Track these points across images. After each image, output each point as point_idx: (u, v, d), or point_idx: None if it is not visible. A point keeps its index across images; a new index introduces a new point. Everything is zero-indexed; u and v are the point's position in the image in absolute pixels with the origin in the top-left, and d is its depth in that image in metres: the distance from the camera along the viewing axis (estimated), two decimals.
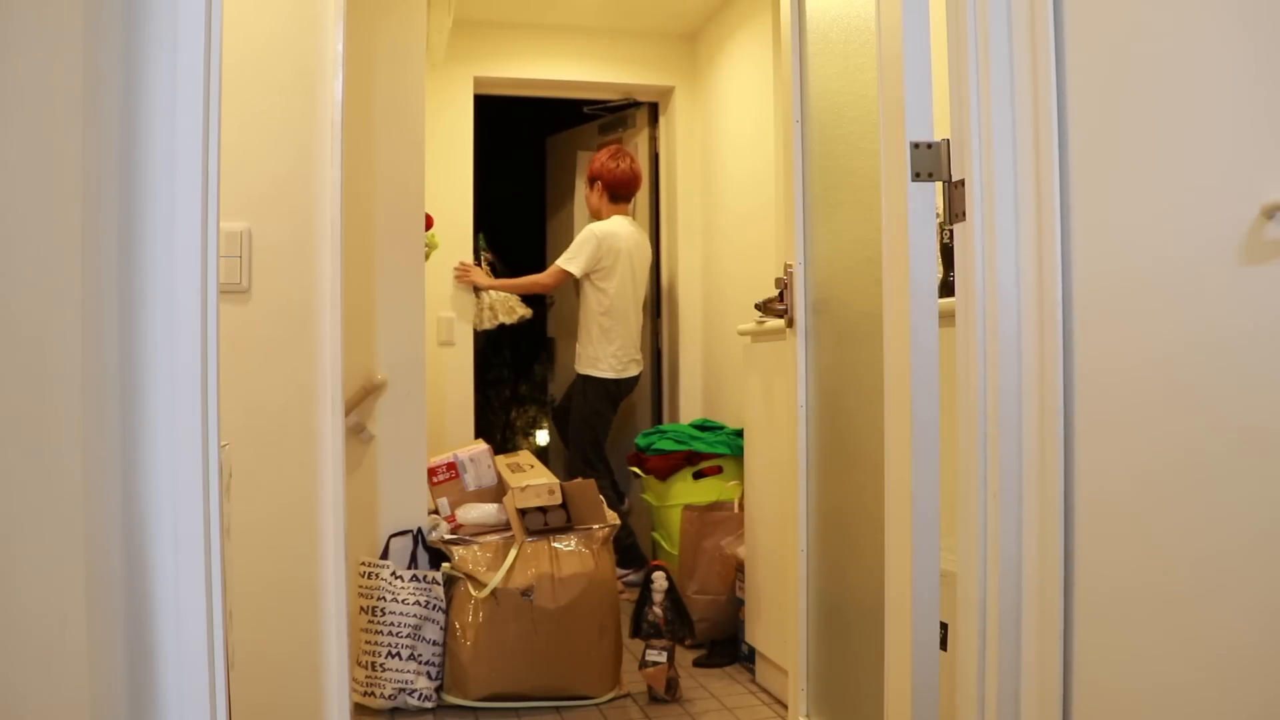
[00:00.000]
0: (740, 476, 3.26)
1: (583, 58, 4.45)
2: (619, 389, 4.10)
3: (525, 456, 3.32)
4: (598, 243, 4.00)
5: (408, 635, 2.70)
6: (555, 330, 5.39)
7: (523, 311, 4.33)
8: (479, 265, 4.32)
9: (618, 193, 4.15)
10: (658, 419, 4.59)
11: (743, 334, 2.98)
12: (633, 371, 4.13)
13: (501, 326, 4.47)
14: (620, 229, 4.09)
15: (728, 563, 3.18)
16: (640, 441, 3.85)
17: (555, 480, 2.94)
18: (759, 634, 2.87)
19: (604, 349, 4.04)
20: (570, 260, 4.02)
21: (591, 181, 4.20)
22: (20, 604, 0.87)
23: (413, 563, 2.82)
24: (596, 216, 4.23)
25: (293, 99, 1.95)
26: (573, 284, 5.05)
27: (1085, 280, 1.39)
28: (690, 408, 4.42)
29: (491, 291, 4.24)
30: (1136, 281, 1.29)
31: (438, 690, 2.75)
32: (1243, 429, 1.13)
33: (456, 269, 4.19)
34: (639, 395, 4.55)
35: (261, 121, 1.94)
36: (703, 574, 3.25)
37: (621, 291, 4.05)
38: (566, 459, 4.26)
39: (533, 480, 2.93)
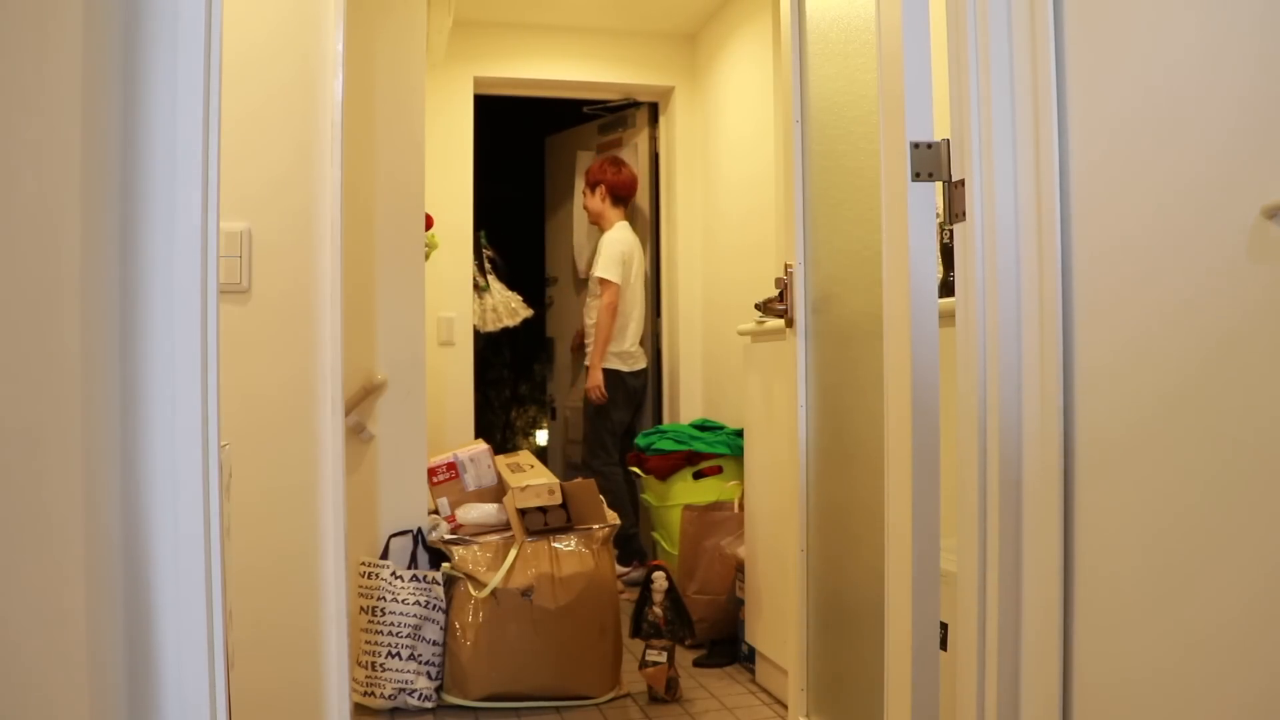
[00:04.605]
0: (740, 476, 3.26)
1: (583, 58, 4.46)
2: (633, 380, 4.34)
3: (525, 456, 3.32)
4: (621, 249, 4.28)
5: (408, 635, 2.70)
6: (555, 330, 5.39)
7: (525, 313, 4.58)
8: (480, 262, 4.41)
9: (619, 195, 4.40)
10: (658, 419, 4.59)
11: (743, 334, 2.98)
12: (641, 364, 4.38)
13: (503, 327, 4.57)
14: (627, 234, 4.36)
15: (728, 563, 3.18)
16: (640, 441, 3.85)
17: (555, 480, 2.94)
18: (759, 634, 2.87)
19: (617, 345, 4.28)
20: (612, 271, 4.24)
21: (593, 186, 4.41)
22: (20, 603, 0.87)
23: (413, 563, 2.82)
24: (597, 218, 4.44)
25: (293, 98, 1.95)
26: (573, 283, 5.10)
27: (1085, 280, 1.39)
28: (690, 408, 4.42)
29: (495, 293, 4.42)
30: (1136, 281, 1.29)
31: (438, 690, 2.75)
32: (1242, 427, 1.13)
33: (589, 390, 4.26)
34: None
35: (262, 121, 1.94)
36: (703, 574, 3.25)
37: (630, 290, 4.30)
38: (582, 455, 4.42)
39: (533, 480, 2.93)
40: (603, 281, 4.22)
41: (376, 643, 2.69)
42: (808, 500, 2.19)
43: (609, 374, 4.26)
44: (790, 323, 2.23)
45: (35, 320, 0.91)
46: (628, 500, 4.14)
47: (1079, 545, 1.39)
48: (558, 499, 2.85)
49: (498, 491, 3.00)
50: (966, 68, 1.53)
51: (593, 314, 4.31)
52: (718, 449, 3.59)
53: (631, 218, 4.53)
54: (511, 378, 6.40)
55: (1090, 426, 1.38)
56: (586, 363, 4.31)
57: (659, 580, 2.89)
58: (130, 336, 1.06)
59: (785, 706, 2.66)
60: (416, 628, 2.71)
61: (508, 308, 4.50)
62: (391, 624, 2.69)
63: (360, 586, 2.73)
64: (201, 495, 1.07)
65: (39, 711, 0.90)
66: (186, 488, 1.07)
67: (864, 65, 1.93)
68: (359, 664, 2.70)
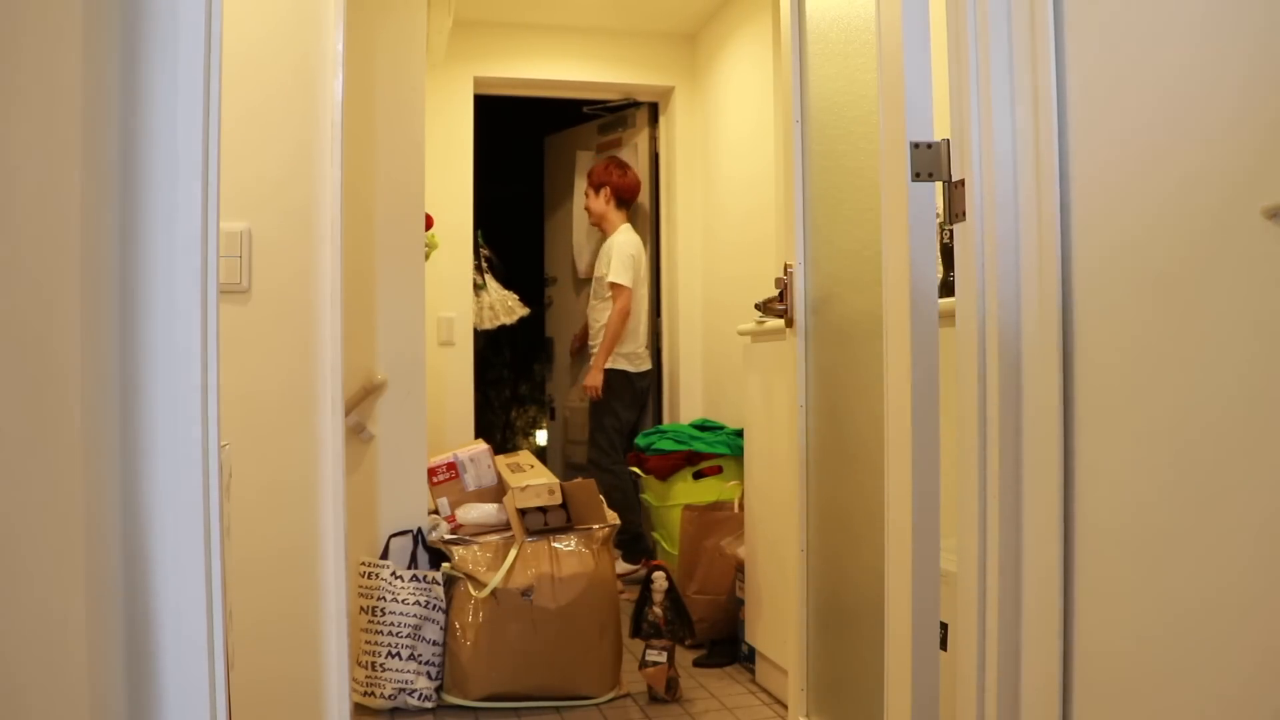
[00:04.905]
0: (740, 476, 3.26)
1: (583, 58, 4.46)
2: (640, 380, 4.36)
3: (525, 456, 3.32)
4: (631, 252, 4.29)
5: (408, 635, 2.70)
6: (554, 330, 5.39)
7: (521, 311, 4.61)
8: (477, 262, 4.43)
9: (624, 198, 4.45)
10: (658, 419, 4.60)
11: (743, 334, 2.98)
12: (647, 365, 4.41)
13: (501, 326, 4.59)
14: (633, 236, 4.39)
15: (728, 563, 3.18)
16: (640, 441, 3.85)
17: (555, 480, 2.94)
18: (759, 634, 2.87)
19: (626, 346, 4.31)
20: (624, 276, 4.25)
21: (598, 188, 4.43)
22: (20, 604, 0.87)
23: (413, 563, 2.82)
24: (600, 220, 4.46)
25: (293, 98, 1.95)
26: (573, 283, 5.11)
27: (1086, 281, 1.39)
28: (690, 408, 4.43)
29: (492, 291, 4.42)
30: (1136, 283, 1.29)
31: (438, 690, 2.75)
32: (1243, 429, 1.13)
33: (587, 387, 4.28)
34: None
35: (262, 121, 1.94)
36: (703, 574, 3.24)
37: (638, 292, 4.33)
38: (588, 455, 4.44)
39: (533, 480, 2.93)
40: (615, 286, 4.21)
41: (376, 643, 2.69)
42: (808, 500, 2.19)
43: (618, 374, 4.27)
44: (790, 323, 2.23)
45: (36, 320, 0.91)
46: (635, 499, 4.14)
47: (1079, 543, 1.39)
48: (558, 499, 2.85)
49: (498, 491, 3.00)
50: (966, 68, 1.53)
51: (600, 315, 4.32)
52: (718, 449, 3.59)
53: (631, 218, 4.53)
54: (511, 378, 6.40)
55: (1090, 427, 1.38)
56: (591, 363, 4.32)
57: (659, 580, 2.89)
58: (130, 336, 1.06)
59: (785, 706, 2.66)
60: (416, 628, 2.71)
61: (505, 306, 4.54)
62: (391, 624, 2.69)
63: (360, 586, 2.73)
64: (201, 495, 1.07)
65: (40, 711, 0.90)
66: (186, 488, 1.07)
67: (864, 65, 1.93)
68: (359, 664, 2.70)
